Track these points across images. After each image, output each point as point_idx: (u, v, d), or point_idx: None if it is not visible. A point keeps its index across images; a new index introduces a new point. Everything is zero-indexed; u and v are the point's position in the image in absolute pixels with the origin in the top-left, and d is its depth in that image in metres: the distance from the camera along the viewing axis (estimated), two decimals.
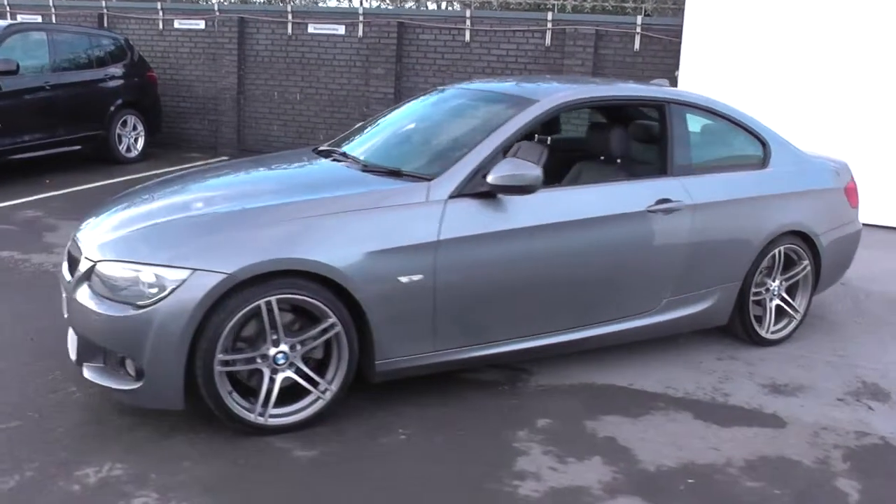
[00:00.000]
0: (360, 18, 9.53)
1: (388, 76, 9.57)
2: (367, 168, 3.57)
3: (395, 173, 3.43)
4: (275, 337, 2.99)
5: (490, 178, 3.23)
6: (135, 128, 9.19)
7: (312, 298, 2.97)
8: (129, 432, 3.07)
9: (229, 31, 9.81)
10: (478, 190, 3.29)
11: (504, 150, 3.40)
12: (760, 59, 8.00)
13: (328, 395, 3.11)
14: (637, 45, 8.97)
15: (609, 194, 3.65)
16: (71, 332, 3.35)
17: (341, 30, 9.59)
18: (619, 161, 4.07)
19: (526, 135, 3.55)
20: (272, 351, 3.00)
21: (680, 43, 8.59)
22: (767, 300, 4.29)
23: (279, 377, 3.03)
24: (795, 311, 4.39)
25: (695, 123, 4.05)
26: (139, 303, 2.85)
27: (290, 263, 2.92)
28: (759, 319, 4.27)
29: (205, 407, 2.99)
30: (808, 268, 4.36)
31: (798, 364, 4.12)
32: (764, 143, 4.25)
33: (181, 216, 3.12)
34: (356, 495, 2.73)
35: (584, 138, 4.25)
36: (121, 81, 9.00)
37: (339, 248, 3.02)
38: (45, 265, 5.18)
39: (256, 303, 2.89)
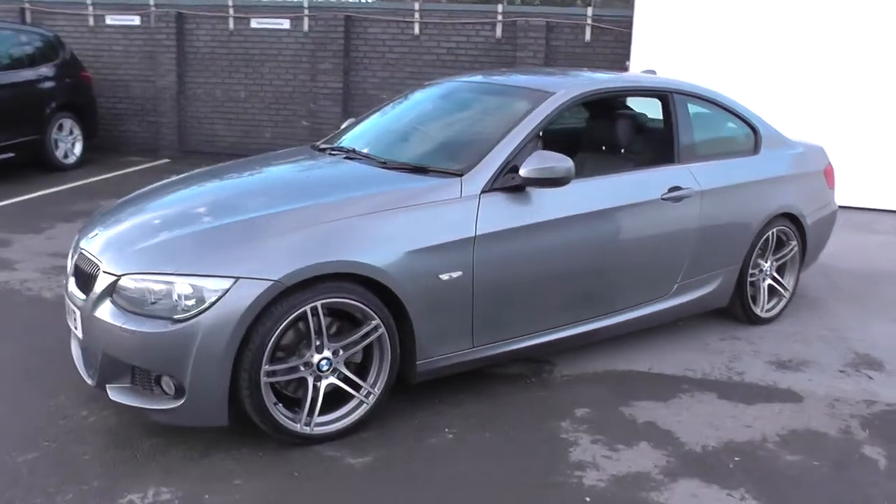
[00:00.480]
0: (306, 12, 9.31)
1: (335, 71, 9.39)
2: (387, 165, 3.49)
3: (420, 170, 3.37)
4: (318, 343, 2.89)
5: (523, 172, 3.21)
6: (71, 132, 8.68)
7: (357, 301, 2.89)
8: (162, 454, 2.90)
9: (167, 26, 9.39)
10: (509, 184, 3.27)
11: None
12: (710, 46, 8.25)
13: (371, 399, 3.03)
14: (588, 36, 9.10)
15: (627, 183, 3.70)
16: (78, 352, 3.17)
17: (286, 24, 9.34)
18: (622, 151, 4.13)
19: (547, 126, 3.54)
20: (316, 358, 2.90)
21: (630, 33, 8.77)
22: (760, 280, 4.45)
23: (323, 384, 2.94)
24: (785, 289, 4.57)
25: (694, 111, 4.14)
26: (176, 317, 2.69)
27: (337, 266, 2.82)
28: (754, 299, 4.42)
29: (241, 421, 2.87)
30: (796, 248, 4.54)
31: (794, 340, 4.29)
32: (755, 130, 4.39)
33: (214, 223, 2.97)
34: (424, 498, 2.67)
35: (584, 129, 4.29)
36: (54, 82, 8.48)
37: (382, 248, 2.94)
38: (10, 283, 4.84)
39: (303, 309, 2.78)
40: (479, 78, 4.23)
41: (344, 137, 4.17)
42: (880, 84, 7.77)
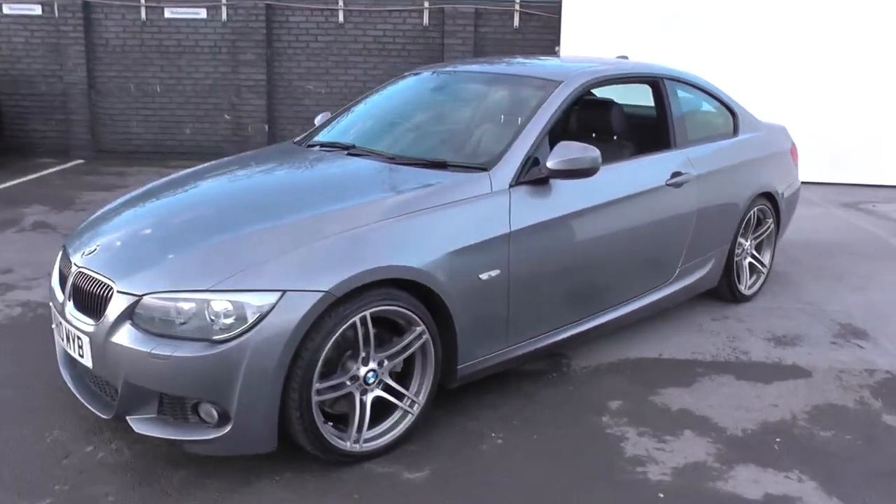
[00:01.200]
0: (223, 1, 8.81)
1: (258, 62, 8.96)
2: (396, 160, 3.30)
3: (438, 165, 3.21)
4: (363, 355, 2.70)
5: (550, 164, 3.11)
6: None
7: (404, 308, 2.71)
8: (198, 487, 2.63)
9: (73, 17, 8.64)
10: (535, 177, 3.16)
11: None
12: (638, 29, 8.41)
13: (416, 409, 2.87)
14: (517, 23, 9.09)
15: (637, 171, 3.68)
16: (77, 382, 2.87)
17: (203, 13, 8.81)
18: (614, 138, 4.10)
19: (561, 116, 3.45)
20: (363, 370, 2.70)
21: (559, 19, 8.83)
22: (742, 259, 4.56)
23: (368, 398, 2.75)
24: (763, 266, 4.71)
25: (682, 96, 4.17)
26: (216, 337, 2.44)
27: (387, 272, 2.64)
28: (738, 278, 4.53)
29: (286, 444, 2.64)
30: (772, 225, 4.69)
31: (778, 316, 4.42)
32: (733, 113, 4.48)
33: (242, 232, 2.71)
34: None
35: (577, 117, 4.23)
36: None
37: (425, 250, 2.78)
38: None
39: (352, 320, 2.58)
40: (475, 67, 4.08)
41: (328, 133, 3.93)
42: (803, 58, 8.15)
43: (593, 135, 4.17)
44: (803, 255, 5.57)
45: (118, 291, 2.58)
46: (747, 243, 4.56)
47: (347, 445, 2.69)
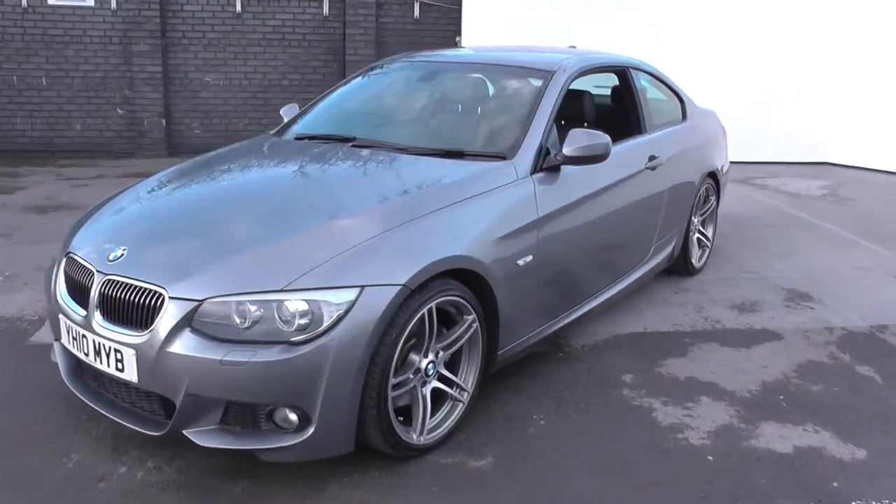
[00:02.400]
0: None
1: (153, 53, 8.43)
2: (409, 151, 3.27)
3: (455, 154, 3.22)
4: (425, 347, 2.68)
5: (567, 151, 3.20)
6: None
7: (460, 297, 2.72)
8: (268, 497, 2.51)
9: None
10: (551, 164, 3.25)
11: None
12: (538, 21, 8.69)
13: (466, 398, 2.88)
14: (417, 13, 9.11)
15: (624, 155, 3.83)
16: (101, 399, 2.67)
17: (90, 1, 8.15)
18: (584, 125, 4.26)
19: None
20: (424, 363, 2.69)
21: (459, 10, 8.95)
22: (693, 234, 4.89)
23: (427, 390, 2.74)
24: (709, 240, 5.07)
25: (643, 85, 4.40)
26: (295, 339, 2.34)
27: (451, 262, 2.63)
28: (691, 252, 4.85)
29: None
30: (715, 202, 5.06)
31: (729, 285, 4.79)
32: (681, 99, 4.77)
33: (298, 230, 2.60)
34: (582, 486, 2.62)
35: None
36: None
37: (476, 239, 2.79)
38: None
39: (421, 312, 2.56)
40: (460, 56, 4.10)
41: (313, 125, 3.82)
42: (687, 43, 8.74)
43: (562, 122, 4.31)
44: (724, 229, 6.02)
45: (171, 297, 2.41)
46: (696, 220, 4.89)
47: (414, 438, 2.67)
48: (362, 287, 2.41)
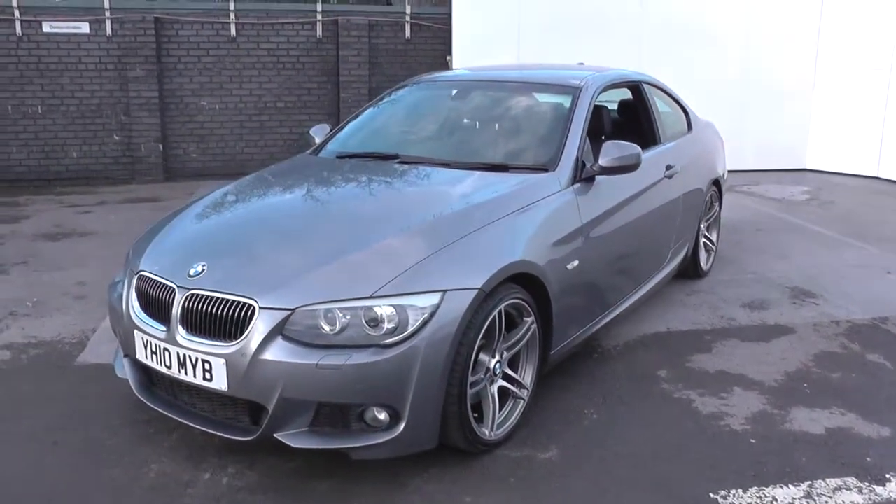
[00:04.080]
0: (107, 14, 8.29)
1: (149, 78, 8.53)
2: (452, 166, 3.49)
3: (500, 167, 3.44)
4: (494, 347, 2.88)
5: (603, 162, 3.44)
6: None
7: (522, 300, 2.93)
8: (355, 495, 2.66)
9: None
10: (589, 174, 3.48)
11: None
12: (526, 40, 8.98)
13: (526, 395, 3.08)
14: (408, 34, 9.35)
15: (646, 165, 4.07)
16: (175, 411, 2.81)
17: (85, 28, 8.23)
18: (602, 138, 4.51)
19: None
20: (492, 363, 2.88)
21: (449, 29, 9.21)
22: (701, 240, 5.16)
23: (494, 388, 2.93)
24: (713, 244, 5.35)
25: (657, 98, 4.67)
26: (384, 342, 2.52)
27: (518, 267, 2.84)
28: (699, 257, 5.13)
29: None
30: (718, 208, 5.34)
31: (737, 286, 5.07)
32: (686, 111, 5.06)
33: (374, 240, 2.79)
34: (645, 475, 2.82)
35: None
36: None
37: (534, 245, 3.01)
38: None
39: (493, 314, 2.76)
40: (485, 75, 4.32)
41: (349, 144, 4.01)
42: (667, 58, 9.10)
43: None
44: (722, 234, 6.33)
45: (262, 308, 2.57)
46: (704, 225, 5.17)
47: (486, 434, 2.86)
48: (444, 291, 2.60)
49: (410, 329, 2.54)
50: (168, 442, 3.05)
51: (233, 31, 8.83)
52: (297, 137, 9.23)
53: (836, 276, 5.26)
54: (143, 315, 2.91)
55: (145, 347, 2.86)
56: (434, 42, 9.47)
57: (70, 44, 8.27)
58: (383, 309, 2.54)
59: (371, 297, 2.55)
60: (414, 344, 2.52)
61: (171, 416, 2.88)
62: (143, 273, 2.97)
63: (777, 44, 9.35)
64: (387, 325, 2.54)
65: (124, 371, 3.10)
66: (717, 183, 5.20)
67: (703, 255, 5.15)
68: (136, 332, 2.90)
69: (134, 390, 3.03)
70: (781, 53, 9.37)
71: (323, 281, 2.63)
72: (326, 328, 2.54)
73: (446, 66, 9.36)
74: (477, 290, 2.65)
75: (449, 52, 9.35)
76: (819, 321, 4.42)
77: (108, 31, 8.34)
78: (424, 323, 2.55)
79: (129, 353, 3.01)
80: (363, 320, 2.54)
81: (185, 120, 8.87)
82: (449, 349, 2.58)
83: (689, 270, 5.05)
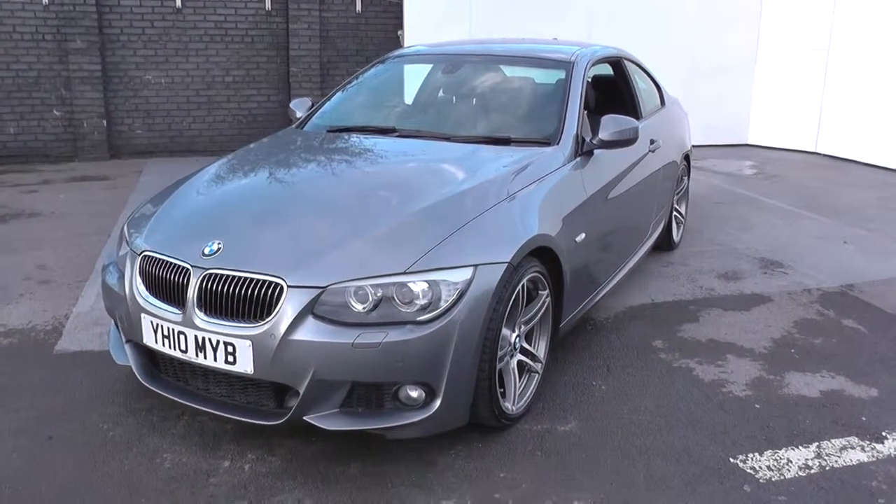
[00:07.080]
0: None
1: (90, 50, 8.10)
2: (453, 139, 3.46)
3: (502, 141, 3.43)
4: (516, 321, 2.88)
5: (603, 135, 3.47)
6: None
7: (540, 273, 2.94)
8: (389, 477, 2.64)
9: None
10: (588, 148, 3.51)
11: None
12: (477, 14, 8.93)
13: (540, 368, 3.11)
14: (359, 7, 9.17)
15: None
16: (193, 396, 2.76)
17: None
18: (586, 113, 4.55)
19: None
20: (512, 337, 2.89)
21: (400, 4, 9.06)
22: (672, 213, 5.29)
23: (514, 362, 2.94)
24: (683, 217, 5.50)
25: (636, 75, 4.73)
26: (420, 318, 2.49)
27: (539, 241, 2.85)
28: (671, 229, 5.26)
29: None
30: (687, 181, 5.48)
31: (709, 257, 5.23)
32: (658, 88, 5.15)
33: (401, 215, 2.74)
34: (665, 441, 2.88)
35: None
36: None
37: (549, 219, 3.02)
38: None
39: (517, 288, 2.76)
40: (474, 48, 4.27)
41: (340, 117, 3.92)
42: (621, 32, 9.21)
43: None
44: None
45: (290, 286, 2.50)
46: (675, 198, 5.29)
47: (510, 408, 2.87)
48: (476, 266, 2.59)
49: (444, 305, 2.51)
50: (176, 430, 2.95)
51: (178, 3, 8.46)
52: (247, 113, 8.97)
53: (800, 247, 5.48)
54: (150, 297, 2.78)
55: (155, 332, 2.74)
56: (386, 16, 9.32)
57: (2, 11, 7.76)
58: (417, 285, 2.51)
59: (404, 273, 2.52)
60: (451, 319, 2.50)
61: (183, 402, 2.78)
62: (148, 253, 2.84)
63: (720, 22, 9.60)
64: (420, 301, 2.50)
65: (126, 357, 2.97)
66: (686, 157, 5.33)
67: (675, 228, 5.28)
68: (143, 315, 2.77)
69: (138, 377, 2.91)
70: (725, 32, 9.63)
71: (352, 257, 2.57)
72: (358, 306, 2.49)
73: (398, 40, 9.25)
74: (506, 264, 2.65)
75: (401, 26, 9.22)
76: (792, 290, 4.61)
77: (45, 0, 7.87)
78: (459, 298, 2.53)
79: (134, 338, 2.87)
80: (395, 297, 2.50)
81: (129, 95, 8.48)
82: (483, 324, 2.57)
83: (663, 242, 5.17)
